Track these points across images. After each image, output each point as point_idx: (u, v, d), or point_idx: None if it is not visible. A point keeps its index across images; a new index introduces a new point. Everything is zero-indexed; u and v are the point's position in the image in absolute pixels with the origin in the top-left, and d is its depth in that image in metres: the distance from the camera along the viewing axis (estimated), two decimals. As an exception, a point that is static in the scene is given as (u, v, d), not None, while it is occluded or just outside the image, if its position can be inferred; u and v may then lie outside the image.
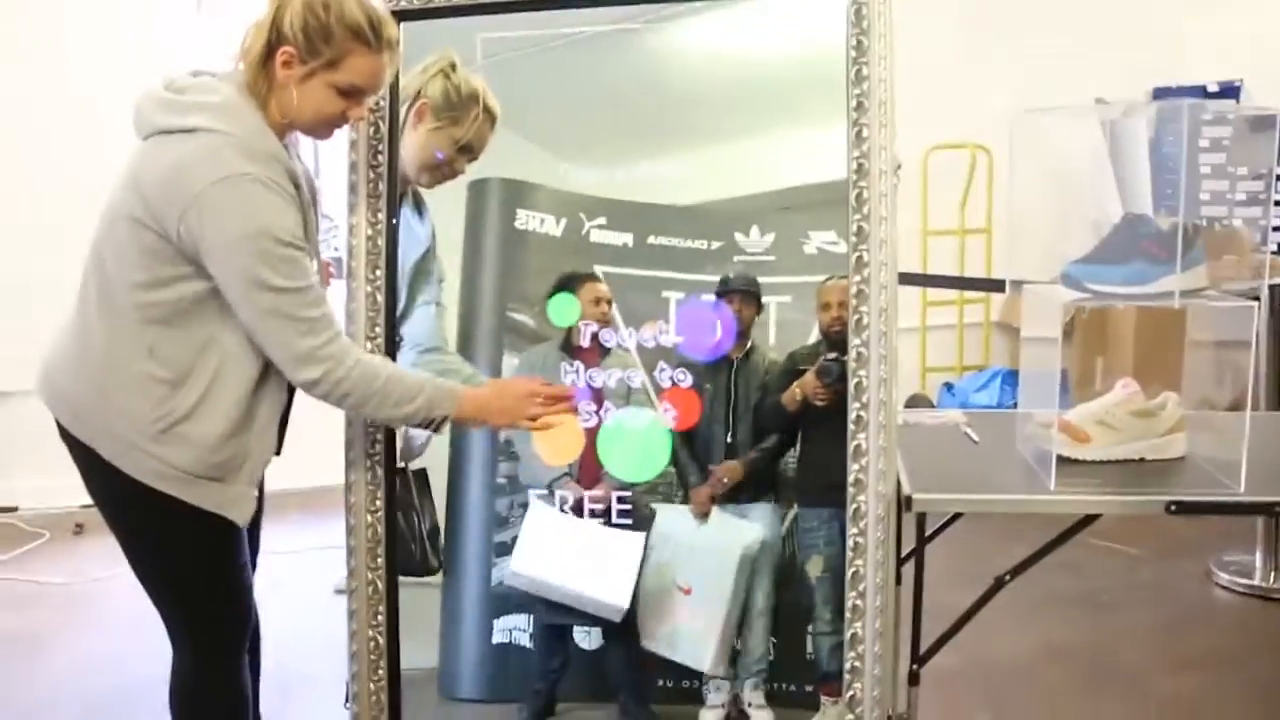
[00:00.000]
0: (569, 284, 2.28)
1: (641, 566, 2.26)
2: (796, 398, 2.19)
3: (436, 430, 2.09)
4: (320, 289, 1.97)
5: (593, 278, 2.29)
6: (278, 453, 2.12)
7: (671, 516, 2.28)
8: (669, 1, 2.24)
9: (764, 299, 2.25)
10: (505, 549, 2.32)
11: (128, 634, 3.57)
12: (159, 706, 2.15)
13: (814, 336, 2.23)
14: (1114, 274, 2.08)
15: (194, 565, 2.06)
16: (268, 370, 1.99)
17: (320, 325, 1.92)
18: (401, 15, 2.20)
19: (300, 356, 1.91)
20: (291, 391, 2.09)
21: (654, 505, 2.28)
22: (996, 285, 2.30)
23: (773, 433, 2.25)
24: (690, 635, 2.27)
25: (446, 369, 2.28)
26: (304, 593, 4.00)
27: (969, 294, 5.58)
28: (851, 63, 2.06)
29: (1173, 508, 2.01)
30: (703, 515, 2.26)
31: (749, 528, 2.25)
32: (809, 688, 2.25)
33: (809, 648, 2.26)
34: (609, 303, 2.27)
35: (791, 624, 2.28)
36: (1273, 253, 4.82)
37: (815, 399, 2.16)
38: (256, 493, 2.07)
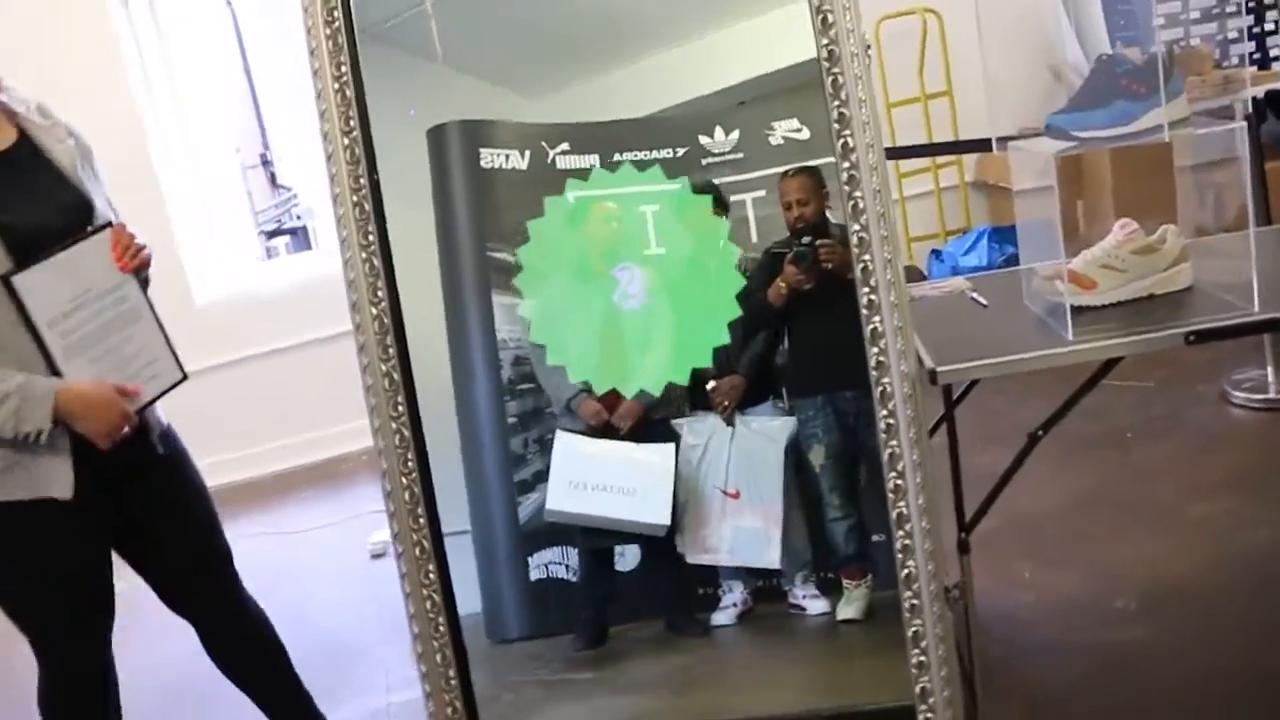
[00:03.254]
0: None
1: (676, 479, 2.26)
2: (782, 291, 2.17)
3: (35, 441, 1.99)
4: None
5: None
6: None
7: (696, 427, 2.28)
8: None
9: (739, 197, 2.23)
10: (528, 486, 2.32)
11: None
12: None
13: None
14: (1097, 118, 2.07)
15: (12, 568, 2.09)
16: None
17: None
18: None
19: None
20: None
21: (675, 422, 2.27)
22: (983, 145, 2.29)
23: (761, 329, 2.23)
24: (751, 536, 2.26)
25: None
26: (341, 564, 4.03)
27: (940, 158, 5.56)
28: (807, -52, 2.03)
29: (1192, 338, 2.03)
30: (727, 415, 2.26)
31: (782, 421, 2.25)
32: (829, 574, 2.27)
33: (826, 535, 2.27)
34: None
35: (807, 515, 2.29)
36: (1235, 66, 4.82)
37: (801, 286, 2.15)
38: (70, 460, 2.05)
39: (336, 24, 2.21)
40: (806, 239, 2.14)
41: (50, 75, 4.78)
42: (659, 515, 2.26)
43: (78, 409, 2.01)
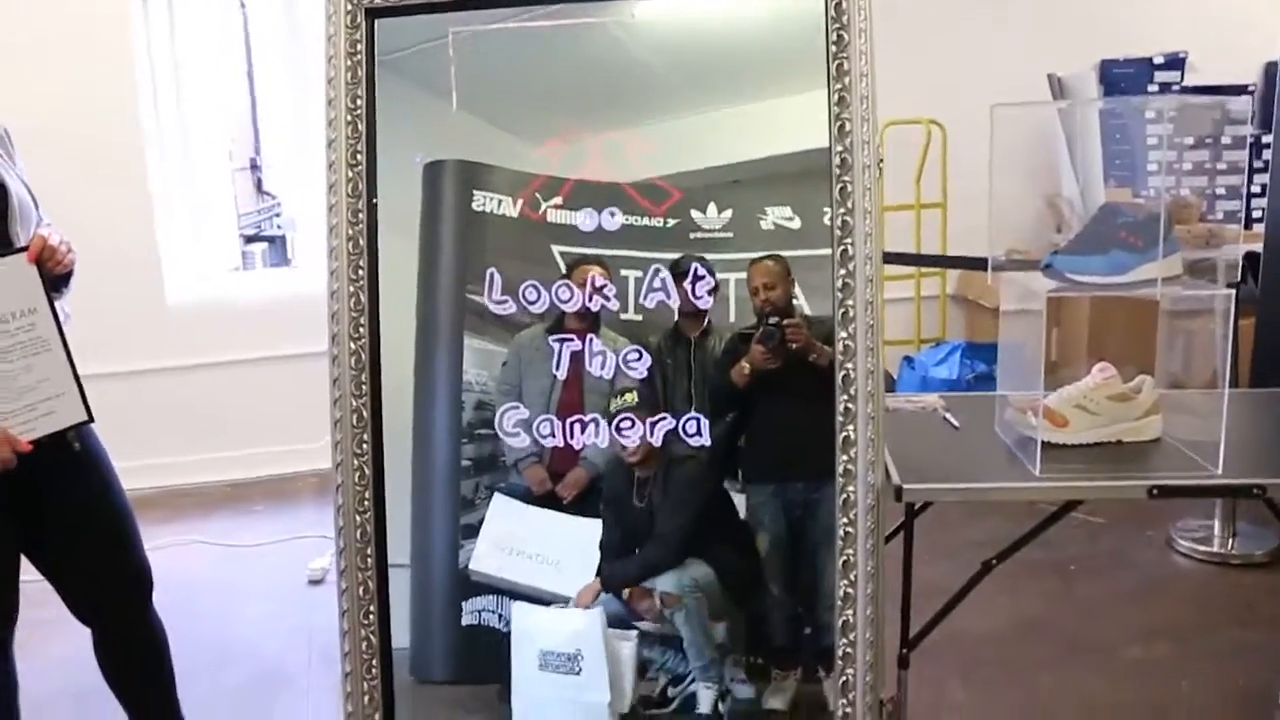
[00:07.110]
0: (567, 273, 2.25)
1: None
2: (745, 372, 2.16)
3: None
4: None
5: (586, 261, 2.24)
6: None
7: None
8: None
9: (723, 275, 2.22)
10: (472, 531, 2.30)
11: None
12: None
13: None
14: (1094, 264, 2.11)
15: None
16: None
17: None
18: (375, 12, 2.21)
19: None
20: None
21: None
22: (978, 264, 2.33)
23: (725, 411, 2.21)
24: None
25: None
26: (277, 585, 3.98)
27: (925, 268, 5.62)
28: (832, 57, 2.08)
29: (1154, 492, 2.06)
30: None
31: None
32: (758, 660, 2.23)
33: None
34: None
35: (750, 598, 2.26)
36: (1219, 221, 4.93)
37: (764, 366, 2.15)
38: None
39: (359, 56, 2.24)
40: (774, 320, 2.13)
41: (57, 60, 4.83)
42: (576, 590, 2.24)
43: None
